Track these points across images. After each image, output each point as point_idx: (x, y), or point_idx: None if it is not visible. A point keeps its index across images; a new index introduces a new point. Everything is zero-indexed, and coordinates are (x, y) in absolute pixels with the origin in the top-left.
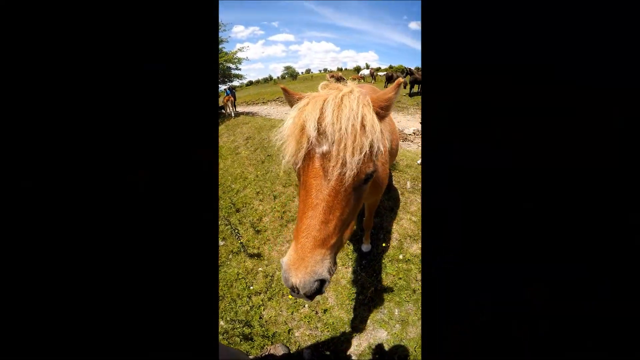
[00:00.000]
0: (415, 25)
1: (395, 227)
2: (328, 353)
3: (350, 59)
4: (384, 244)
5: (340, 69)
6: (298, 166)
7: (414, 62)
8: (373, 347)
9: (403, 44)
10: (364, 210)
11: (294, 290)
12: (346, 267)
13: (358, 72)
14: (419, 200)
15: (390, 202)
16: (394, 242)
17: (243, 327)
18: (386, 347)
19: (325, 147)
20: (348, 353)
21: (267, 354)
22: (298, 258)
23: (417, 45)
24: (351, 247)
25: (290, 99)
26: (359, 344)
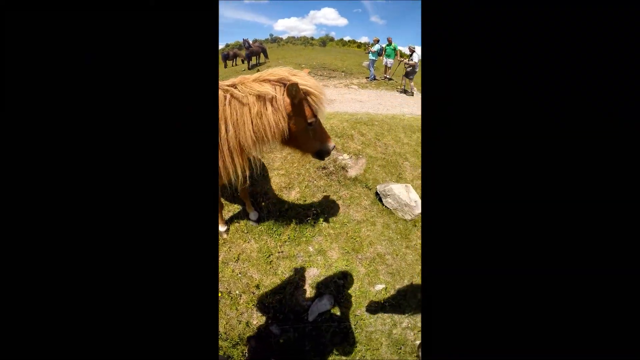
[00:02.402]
0: None
1: (267, 186)
2: (291, 316)
3: None
4: (263, 203)
5: None
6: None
7: (252, 35)
8: (314, 285)
9: (239, 19)
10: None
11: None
12: (248, 242)
13: None
14: (280, 156)
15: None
16: (273, 199)
17: None
18: (322, 279)
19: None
20: (301, 302)
21: (248, 356)
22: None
23: (254, 18)
24: (242, 222)
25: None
26: (304, 290)
